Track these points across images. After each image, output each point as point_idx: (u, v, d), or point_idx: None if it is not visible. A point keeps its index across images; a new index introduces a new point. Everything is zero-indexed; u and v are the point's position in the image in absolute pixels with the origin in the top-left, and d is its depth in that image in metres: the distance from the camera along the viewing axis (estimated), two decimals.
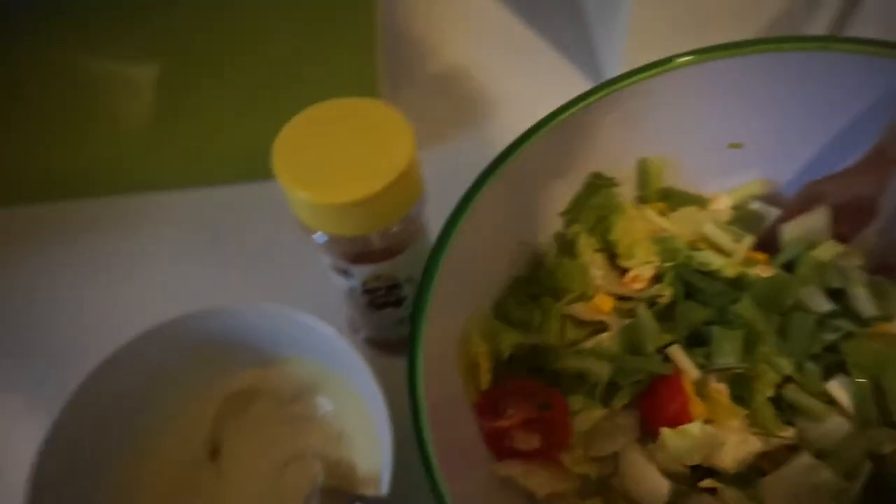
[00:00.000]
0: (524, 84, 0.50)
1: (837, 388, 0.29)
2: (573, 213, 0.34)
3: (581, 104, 0.31)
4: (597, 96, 0.32)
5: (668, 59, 0.32)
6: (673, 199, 0.36)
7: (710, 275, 0.32)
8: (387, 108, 0.28)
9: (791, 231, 0.32)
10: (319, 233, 0.30)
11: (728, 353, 0.30)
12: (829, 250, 0.31)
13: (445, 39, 0.53)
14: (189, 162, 0.45)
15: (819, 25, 0.43)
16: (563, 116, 0.31)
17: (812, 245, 0.31)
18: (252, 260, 0.43)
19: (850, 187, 0.30)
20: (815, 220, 0.31)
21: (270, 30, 0.48)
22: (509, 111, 0.48)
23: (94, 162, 0.45)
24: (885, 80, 0.31)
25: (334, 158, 0.28)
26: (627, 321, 0.32)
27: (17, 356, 0.41)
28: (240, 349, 0.34)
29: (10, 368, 0.40)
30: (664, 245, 0.33)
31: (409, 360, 0.26)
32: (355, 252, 0.31)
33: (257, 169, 0.44)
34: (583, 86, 0.48)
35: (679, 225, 0.34)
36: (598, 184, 0.34)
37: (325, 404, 0.35)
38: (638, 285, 0.34)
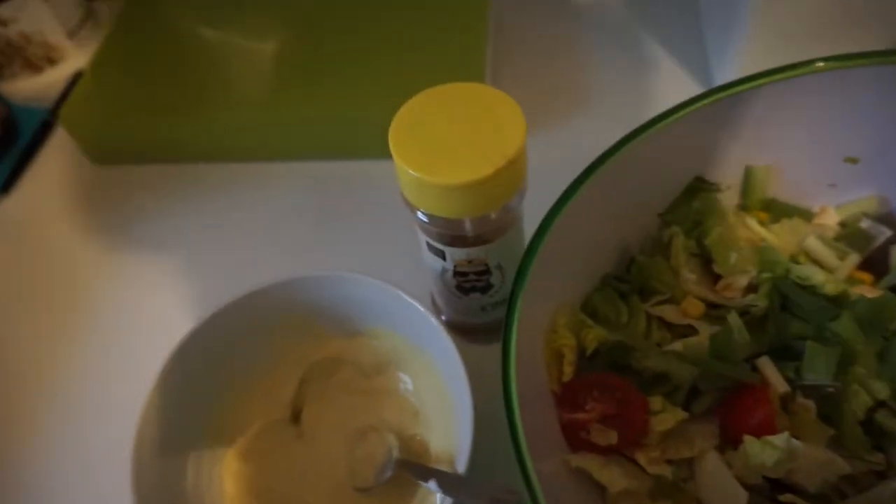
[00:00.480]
0: (630, 80, 0.50)
1: None
2: (672, 214, 0.34)
3: (689, 108, 0.31)
4: (706, 101, 0.31)
5: (780, 69, 0.31)
6: (776, 210, 0.35)
7: (810, 290, 0.31)
8: (502, 95, 0.29)
9: None
10: (421, 212, 0.31)
11: (821, 370, 0.29)
12: None
13: (552, 32, 0.54)
14: (303, 135, 0.47)
15: None
16: (670, 119, 0.31)
17: None
18: (350, 231, 0.45)
19: None
20: None
21: (387, 12, 0.50)
22: (612, 106, 0.48)
23: (215, 130, 0.48)
24: None
25: (448, 140, 0.28)
26: (716, 328, 0.32)
27: (140, 297, 0.44)
28: (331, 317, 0.35)
29: (132, 309, 0.43)
30: (764, 255, 0.32)
31: (503, 345, 0.27)
32: (452, 234, 0.31)
33: (362, 147, 0.47)
34: (688, 84, 0.48)
35: (781, 236, 0.34)
36: (700, 188, 0.34)
37: (405, 380, 0.36)
38: (730, 293, 0.33)
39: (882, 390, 0.29)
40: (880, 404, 0.29)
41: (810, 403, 0.30)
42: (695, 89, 0.47)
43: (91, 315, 0.43)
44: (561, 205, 0.29)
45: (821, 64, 0.30)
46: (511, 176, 0.29)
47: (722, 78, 0.46)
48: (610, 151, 0.30)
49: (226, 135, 0.48)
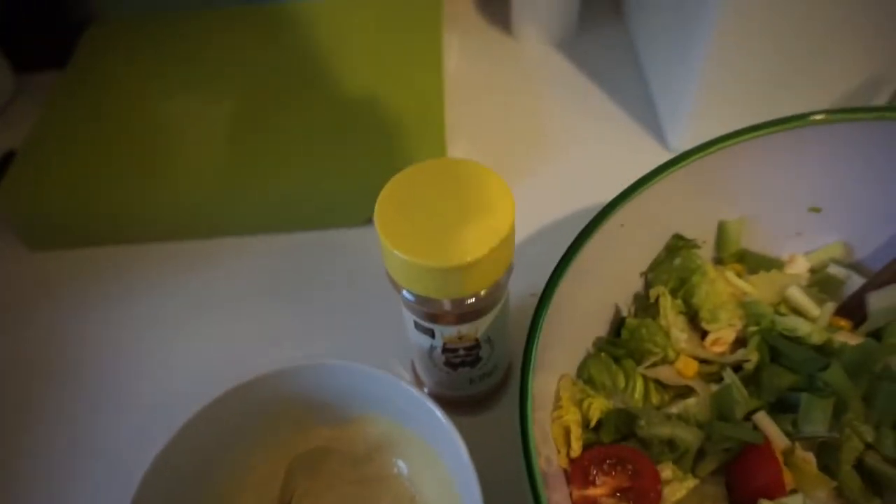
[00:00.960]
0: (586, 134, 0.51)
1: None
2: (655, 273, 0.34)
3: (660, 175, 0.32)
4: (674, 168, 0.32)
5: (745, 130, 0.32)
6: (749, 261, 0.36)
7: (797, 341, 0.32)
8: (490, 172, 0.28)
9: (879, 300, 0.32)
10: (408, 291, 0.30)
11: (818, 422, 0.30)
12: None
13: (508, 88, 0.54)
14: (262, 207, 0.45)
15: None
16: (643, 189, 0.31)
17: None
18: (322, 305, 0.43)
19: None
20: None
21: (342, 75, 0.50)
22: (572, 160, 0.49)
23: (166, 208, 0.45)
24: None
25: (436, 219, 0.27)
26: (713, 386, 0.32)
27: (93, 402, 0.40)
28: (314, 406, 0.34)
29: (83, 422, 0.40)
30: (749, 309, 0.33)
31: (520, 423, 0.26)
32: (441, 312, 0.31)
33: (327, 216, 0.45)
34: (644, 137, 0.49)
35: (760, 287, 0.34)
36: (680, 245, 0.34)
37: (399, 464, 0.34)
38: (719, 348, 0.33)
39: (868, 433, 0.30)
40: (868, 447, 0.30)
41: (810, 456, 0.30)
42: (650, 140, 0.49)
43: (33, 433, 0.39)
44: (556, 280, 0.29)
45: (760, 131, 0.32)
46: (502, 253, 0.28)
47: (674, 137, 0.48)
48: (594, 222, 0.30)
49: (178, 213, 0.45)
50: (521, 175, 0.48)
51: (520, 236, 0.43)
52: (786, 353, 0.31)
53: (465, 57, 0.57)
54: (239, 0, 0.56)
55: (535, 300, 0.29)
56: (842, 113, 0.31)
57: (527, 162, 0.49)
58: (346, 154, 0.45)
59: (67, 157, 0.47)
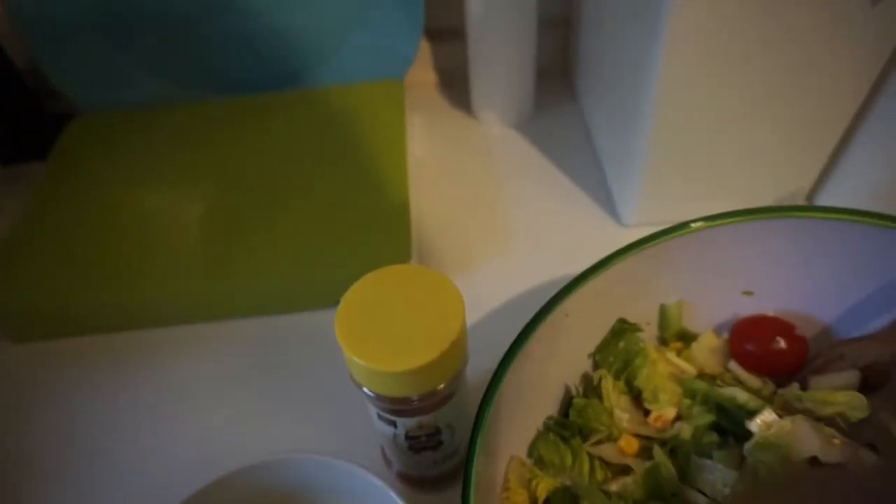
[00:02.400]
0: (548, 213, 0.54)
1: None
2: (601, 355, 0.37)
3: (605, 266, 0.35)
4: (617, 260, 0.35)
5: (679, 226, 0.35)
6: (689, 341, 0.39)
7: (736, 408, 0.34)
8: (443, 278, 0.31)
9: (819, 384, 0.34)
10: (367, 389, 0.32)
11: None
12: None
13: (470, 169, 0.58)
14: (238, 295, 0.48)
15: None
16: (585, 282, 0.34)
17: None
18: (293, 388, 0.45)
19: (870, 352, 0.33)
20: (847, 378, 0.34)
21: (312, 169, 0.53)
22: (534, 237, 0.52)
23: (150, 298, 0.47)
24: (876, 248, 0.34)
25: (392, 326, 0.30)
26: (649, 463, 0.34)
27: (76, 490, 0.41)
28: (286, 499, 0.35)
29: None
30: (686, 385, 0.36)
31: None
32: (400, 407, 0.33)
33: (299, 301, 0.48)
34: (599, 213, 0.52)
35: (700, 355, 0.38)
36: (624, 328, 0.37)
37: None
38: (661, 424, 0.36)
39: None
40: None
41: None
42: (604, 216, 0.52)
43: None
44: (503, 370, 0.32)
45: (695, 224, 0.35)
46: (455, 352, 0.31)
47: (626, 213, 0.51)
48: (539, 316, 0.33)
49: (159, 303, 0.47)
50: (485, 251, 0.51)
51: (483, 312, 0.46)
52: (724, 418, 0.34)
53: (429, 139, 0.60)
54: (213, 91, 0.60)
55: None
56: (757, 213, 0.35)
57: (491, 238, 0.52)
58: (316, 242, 0.48)
59: (49, 251, 0.49)
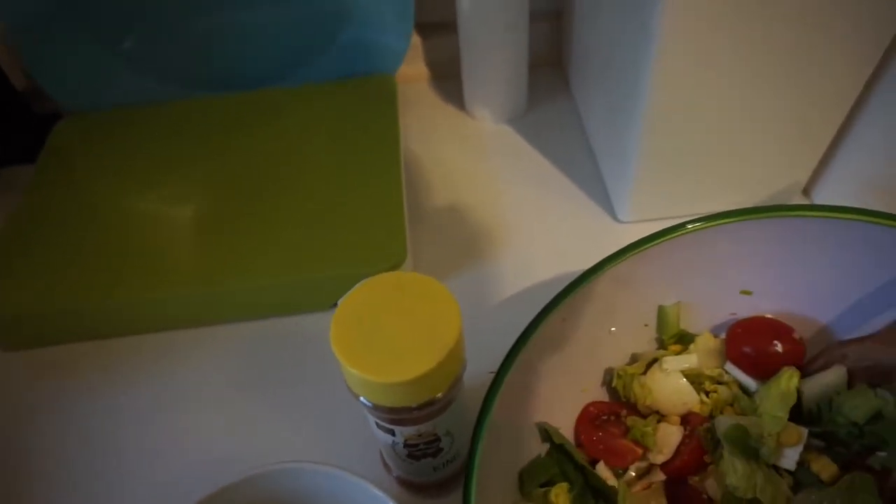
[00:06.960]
0: (544, 209, 0.53)
1: None
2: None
3: (603, 269, 0.34)
4: (613, 263, 0.34)
5: (675, 228, 0.35)
6: (688, 342, 0.39)
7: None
8: (438, 285, 0.31)
9: (811, 387, 0.34)
10: (364, 399, 0.32)
11: None
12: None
13: (463, 166, 0.57)
14: (233, 297, 0.47)
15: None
16: (589, 280, 0.34)
17: None
18: (292, 393, 0.44)
19: (871, 353, 0.33)
20: (834, 376, 0.34)
21: (306, 167, 0.52)
22: (530, 234, 0.52)
23: (141, 300, 0.46)
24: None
25: (388, 335, 0.30)
26: None
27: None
28: None
29: None
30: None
31: None
32: (398, 416, 0.32)
33: (296, 303, 0.47)
34: (595, 210, 0.52)
35: (702, 356, 0.38)
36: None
37: None
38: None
39: None
40: None
41: None
42: (600, 212, 0.52)
43: None
44: (501, 376, 0.31)
45: (692, 225, 0.35)
46: (453, 360, 0.30)
47: (621, 210, 0.51)
48: (538, 319, 0.33)
49: (151, 307, 0.47)
50: (479, 248, 0.51)
51: (480, 313, 0.45)
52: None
53: (422, 134, 0.60)
54: (203, 89, 0.59)
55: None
56: (754, 213, 0.34)
57: (486, 234, 0.52)
58: (309, 242, 0.47)
59: (39, 255, 0.48)
